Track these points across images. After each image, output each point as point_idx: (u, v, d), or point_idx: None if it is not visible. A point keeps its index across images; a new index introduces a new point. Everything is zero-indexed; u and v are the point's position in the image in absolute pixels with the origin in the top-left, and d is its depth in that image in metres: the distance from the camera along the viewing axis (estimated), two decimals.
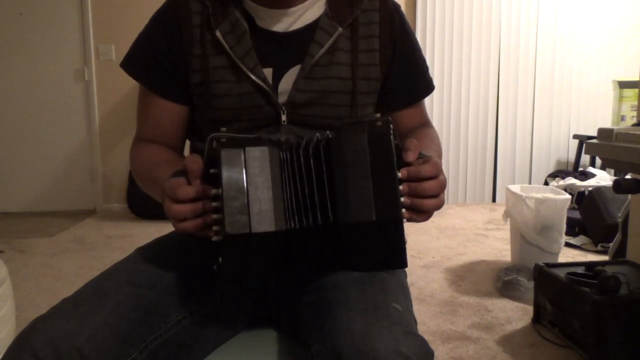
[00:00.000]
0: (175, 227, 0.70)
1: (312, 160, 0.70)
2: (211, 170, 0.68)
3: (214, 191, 0.67)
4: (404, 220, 0.70)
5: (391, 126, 0.68)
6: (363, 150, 0.67)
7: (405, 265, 0.71)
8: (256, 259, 0.70)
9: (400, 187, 0.68)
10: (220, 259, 0.68)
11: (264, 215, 0.65)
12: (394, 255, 0.70)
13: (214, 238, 0.68)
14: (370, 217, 0.66)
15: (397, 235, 0.67)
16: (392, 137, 0.67)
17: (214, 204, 0.67)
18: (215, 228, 0.67)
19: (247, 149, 0.67)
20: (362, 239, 0.69)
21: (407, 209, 0.70)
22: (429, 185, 0.69)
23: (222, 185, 0.65)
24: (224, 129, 0.71)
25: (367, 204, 0.66)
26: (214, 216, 0.67)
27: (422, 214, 0.71)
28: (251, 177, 0.66)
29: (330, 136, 0.70)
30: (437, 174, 0.70)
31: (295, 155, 0.70)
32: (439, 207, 0.71)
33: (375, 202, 0.66)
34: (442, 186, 0.71)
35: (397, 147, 0.70)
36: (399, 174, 0.68)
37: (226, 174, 0.65)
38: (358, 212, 0.66)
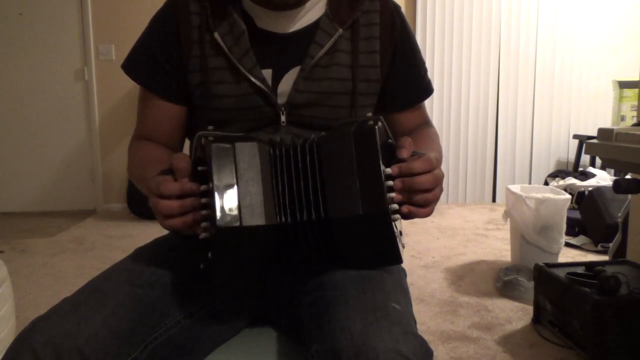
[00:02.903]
0: (162, 225, 0.70)
1: (300, 156, 0.70)
2: (199, 168, 0.68)
3: (203, 187, 0.67)
4: (399, 216, 0.70)
5: (380, 124, 0.69)
6: (349, 146, 0.68)
7: (399, 261, 0.71)
8: (247, 254, 0.70)
9: (392, 183, 0.69)
10: (209, 255, 0.68)
11: (254, 209, 0.66)
12: (386, 250, 0.70)
13: (202, 235, 0.68)
14: (357, 211, 0.66)
15: (386, 230, 0.68)
16: (377, 133, 0.68)
17: (203, 200, 0.67)
18: (203, 224, 0.67)
19: (237, 144, 0.67)
20: (351, 234, 0.69)
21: (401, 203, 0.70)
22: (421, 180, 0.70)
23: (213, 179, 0.65)
24: (211, 127, 0.71)
25: (354, 199, 0.67)
26: (203, 212, 0.67)
27: (420, 207, 0.71)
28: (241, 172, 0.66)
29: (323, 135, 0.71)
30: (430, 169, 0.70)
31: (286, 151, 0.71)
32: (434, 200, 0.72)
33: (361, 197, 0.66)
34: (437, 180, 0.71)
35: (390, 145, 0.71)
36: (389, 170, 0.69)
37: (216, 168, 0.65)
38: (345, 207, 0.67)
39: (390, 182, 0.69)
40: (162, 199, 0.68)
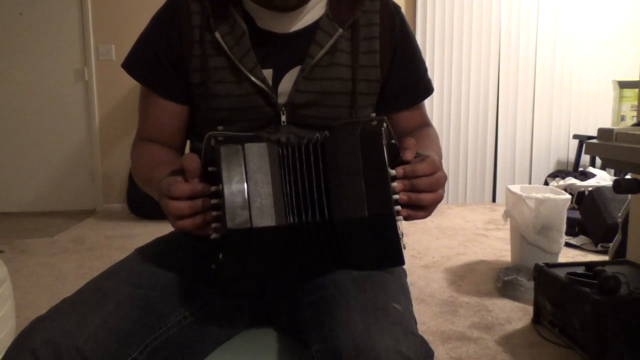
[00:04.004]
0: (173, 225, 0.70)
1: (309, 157, 0.70)
2: (209, 169, 0.68)
3: (213, 188, 0.67)
4: (401, 217, 0.70)
5: (385, 125, 0.69)
6: (355, 148, 0.68)
7: (402, 263, 0.71)
8: (257, 255, 0.70)
9: (396, 184, 0.69)
10: (220, 256, 0.68)
11: (265, 210, 0.66)
12: (390, 252, 0.70)
13: (213, 236, 0.68)
14: (363, 213, 0.66)
15: (391, 232, 0.68)
16: (383, 134, 0.68)
17: (213, 201, 0.67)
18: (214, 225, 0.67)
19: (246, 145, 0.67)
20: (356, 236, 0.69)
21: (404, 205, 0.70)
22: (426, 181, 0.70)
23: (222, 181, 0.65)
24: (220, 127, 0.71)
25: (360, 201, 0.67)
26: (214, 213, 0.67)
27: (420, 210, 0.71)
28: (251, 173, 0.66)
29: (327, 135, 0.71)
30: (434, 171, 0.71)
31: (294, 151, 0.71)
32: (437, 202, 0.72)
33: (367, 199, 0.67)
34: (440, 182, 0.71)
35: (394, 146, 0.71)
36: (394, 172, 0.69)
37: (226, 169, 0.66)
38: (351, 209, 0.67)
39: (395, 184, 0.69)
40: (173, 200, 0.68)
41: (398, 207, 0.69)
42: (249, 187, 0.66)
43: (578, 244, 3.03)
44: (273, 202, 0.66)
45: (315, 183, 0.70)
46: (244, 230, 0.64)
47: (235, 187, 0.65)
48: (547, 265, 1.94)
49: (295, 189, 0.70)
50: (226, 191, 0.65)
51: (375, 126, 0.69)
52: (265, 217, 0.65)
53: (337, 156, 0.68)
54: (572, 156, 4.30)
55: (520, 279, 2.29)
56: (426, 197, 0.71)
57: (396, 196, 0.69)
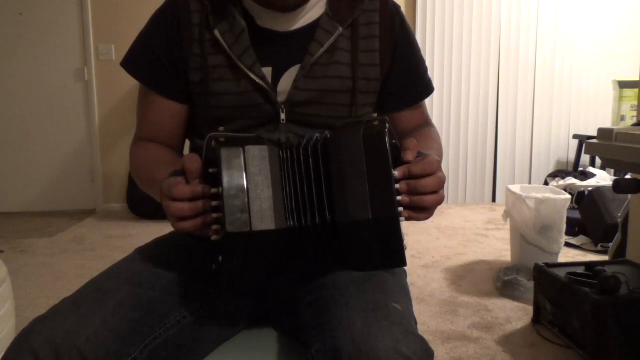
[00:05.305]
0: (174, 227, 0.70)
1: (310, 160, 0.70)
2: (210, 170, 0.68)
3: (213, 190, 0.67)
4: (404, 218, 0.70)
5: (387, 125, 0.68)
6: (359, 150, 0.67)
7: (405, 264, 0.71)
8: (256, 259, 0.70)
9: (398, 186, 0.69)
10: (220, 258, 0.68)
11: (264, 214, 0.65)
12: (393, 254, 0.70)
13: (214, 237, 0.67)
14: (367, 215, 0.66)
15: (395, 234, 0.68)
16: (387, 136, 0.67)
17: (214, 203, 0.67)
18: (215, 227, 0.67)
19: (247, 147, 0.67)
20: (359, 238, 0.69)
21: (406, 207, 0.70)
22: (426, 182, 0.70)
23: (222, 184, 0.65)
24: (222, 128, 0.71)
25: (364, 203, 0.66)
26: (214, 215, 0.67)
27: (422, 211, 0.71)
28: (251, 176, 0.66)
29: (328, 136, 0.70)
30: (434, 172, 0.70)
31: (295, 154, 0.71)
32: (438, 203, 0.72)
33: (371, 201, 0.66)
34: (441, 183, 0.71)
35: (395, 147, 0.70)
36: (396, 173, 0.68)
37: (226, 172, 0.65)
38: (355, 211, 0.66)
39: (397, 186, 0.69)
40: (174, 201, 0.68)
41: (400, 209, 0.69)
42: (249, 190, 0.65)
43: (578, 244, 3.03)
44: (273, 205, 0.66)
45: (316, 186, 0.69)
46: (244, 233, 0.64)
47: (235, 190, 0.65)
48: (547, 265, 1.94)
49: (296, 192, 0.69)
50: (226, 194, 0.64)
51: (378, 127, 0.68)
52: (265, 220, 0.65)
53: (341, 158, 0.68)
54: (572, 156, 4.30)
55: (520, 279, 2.29)
56: (428, 199, 0.70)
57: (399, 198, 0.69)
